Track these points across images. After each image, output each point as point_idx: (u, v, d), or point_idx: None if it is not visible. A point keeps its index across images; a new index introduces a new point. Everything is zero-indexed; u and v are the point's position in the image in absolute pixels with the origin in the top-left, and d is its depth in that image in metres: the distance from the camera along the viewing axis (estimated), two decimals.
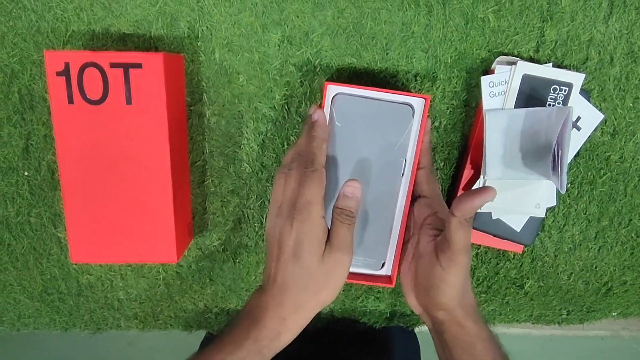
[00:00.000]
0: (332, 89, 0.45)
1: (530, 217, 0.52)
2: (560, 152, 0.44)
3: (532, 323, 0.64)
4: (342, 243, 0.41)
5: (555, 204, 0.51)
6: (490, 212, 0.52)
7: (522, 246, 0.54)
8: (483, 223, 0.52)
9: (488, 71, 0.50)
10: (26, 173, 0.52)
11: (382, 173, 0.47)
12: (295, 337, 0.43)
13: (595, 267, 0.57)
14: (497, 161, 0.49)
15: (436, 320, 0.45)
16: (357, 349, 0.64)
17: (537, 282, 0.58)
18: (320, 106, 0.45)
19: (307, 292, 0.41)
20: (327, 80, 0.49)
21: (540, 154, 0.48)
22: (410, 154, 0.47)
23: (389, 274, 0.50)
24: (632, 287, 0.59)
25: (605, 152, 0.53)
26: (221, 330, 0.44)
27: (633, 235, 0.56)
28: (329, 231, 0.42)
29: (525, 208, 0.51)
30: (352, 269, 0.49)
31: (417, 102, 0.45)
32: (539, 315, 0.63)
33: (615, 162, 0.53)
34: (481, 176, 0.50)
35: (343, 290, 0.58)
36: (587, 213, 0.55)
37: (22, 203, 0.53)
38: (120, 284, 0.57)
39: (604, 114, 0.50)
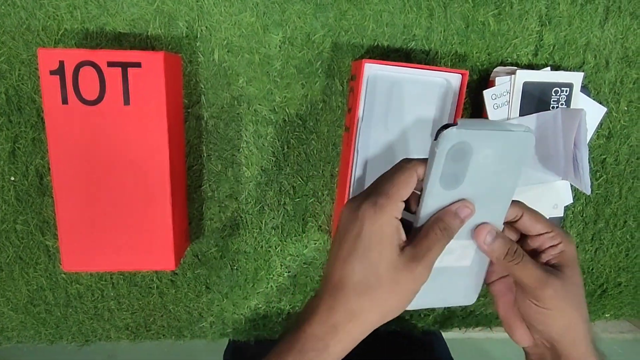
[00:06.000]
0: (369, 67, 0.44)
1: (550, 217, 0.52)
2: (579, 154, 0.44)
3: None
4: (429, 257, 0.35)
5: (571, 201, 0.52)
6: None
7: None
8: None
9: (488, 84, 0.50)
10: (12, 178, 0.49)
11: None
12: (347, 352, 0.36)
13: (592, 269, 0.58)
14: None
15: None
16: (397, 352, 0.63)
17: None
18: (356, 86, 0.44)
19: (368, 298, 0.34)
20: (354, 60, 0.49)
21: (551, 155, 0.48)
22: None
23: None
24: (626, 289, 0.60)
25: (601, 155, 0.54)
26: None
27: (628, 236, 0.57)
28: (406, 236, 0.36)
29: (543, 210, 0.51)
30: None
31: (454, 78, 0.45)
32: None
33: (611, 164, 0.54)
34: None
35: None
36: (584, 215, 0.56)
37: (7, 210, 0.50)
38: (112, 294, 0.54)
39: (606, 107, 0.50)
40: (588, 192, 0.45)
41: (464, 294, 0.42)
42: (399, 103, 0.46)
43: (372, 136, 0.46)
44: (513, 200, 0.39)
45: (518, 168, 0.37)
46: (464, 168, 0.36)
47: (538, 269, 0.38)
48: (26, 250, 0.52)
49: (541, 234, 0.40)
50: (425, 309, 0.59)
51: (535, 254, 0.40)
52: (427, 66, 0.45)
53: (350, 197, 0.39)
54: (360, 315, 0.35)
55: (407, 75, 0.45)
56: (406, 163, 0.36)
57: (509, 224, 0.41)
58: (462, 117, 0.47)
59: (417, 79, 0.45)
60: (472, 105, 0.51)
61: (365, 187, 0.38)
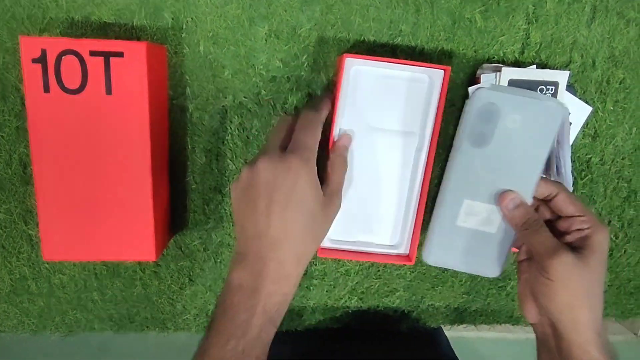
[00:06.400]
0: (350, 62, 0.45)
1: None
2: (561, 152, 0.44)
3: (512, 324, 0.65)
4: (340, 187, 0.42)
5: None
6: None
7: None
8: None
9: (474, 80, 0.50)
10: None
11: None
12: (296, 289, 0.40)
13: None
14: None
15: (544, 335, 0.43)
16: (337, 350, 0.63)
17: None
18: (337, 81, 0.45)
19: (310, 239, 0.39)
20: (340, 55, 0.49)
21: None
22: (430, 127, 0.47)
23: (407, 252, 0.50)
24: (610, 289, 0.60)
25: (586, 155, 0.54)
26: (212, 318, 0.39)
27: (612, 237, 0.57)
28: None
29: None
30: (370, 249, 0.50)
31: (436, 74, 0.46)
32: (519, 317, 0.63)
33: (596, 164, 0.54)
34: None
35: (326, 291, 0.57)
36: None
37: None
38: (95, 284, 0.54)
39: (592, 106, 0.50)
40: (570, 190, 0.45)
41: (488, 264, 0.45)
42: (382, 98, 0.46)
43: (354, 131, 0.46)
44: (553, 181, 0.42)
45: (547, 140, 0.40)
46: (492, 129, 0.40)
47: (552, 239, 0.39)
48: (9, 239, 0.51)
49: (572, 216, 0.41)
50: (408, 307, 0.59)
51: (562, 236, 0.41)
52: (410, 61, 0.45)
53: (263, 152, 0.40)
54: (304, 257, 0.39)
55: (390, 70, 0.45)
56: (312, 115, 0.41)
57: (544, 203, 0.43)
58: (443, 113, 0.48)
59: (400, 74, 0.46)
60: (457, 102, 0.51)
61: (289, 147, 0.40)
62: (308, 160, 0.38)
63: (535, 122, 0.39)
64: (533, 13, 0.49)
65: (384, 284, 0.57)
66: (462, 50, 0.50)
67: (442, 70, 0.45)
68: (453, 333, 0.76)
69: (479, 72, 0.49)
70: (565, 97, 0.49)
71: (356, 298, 0.58)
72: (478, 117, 0.40)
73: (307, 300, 0.57)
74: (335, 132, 0.46)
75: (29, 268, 0.53)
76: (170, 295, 0.56)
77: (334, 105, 0.45)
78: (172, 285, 0.55)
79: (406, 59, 0.49)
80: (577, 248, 0.39)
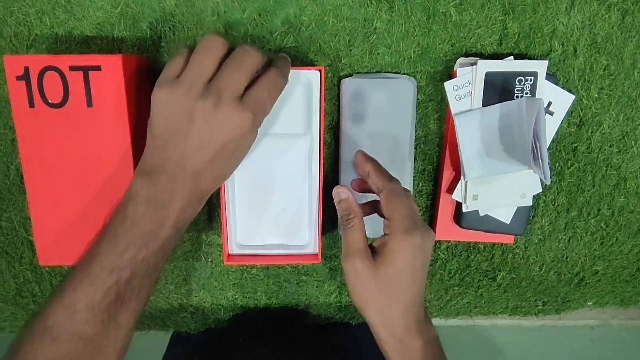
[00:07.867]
0: None
1: (518, 207, 0.52)
2: (538, 143, 0.44)
3: (509, 315, 0.65)
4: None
5: (540, 190, 0.51)
6: (478, 210, 0.52)
7: (513, 236, 0.54)
8: (472, 221, 0.52)
9: (451, 75, 0.50)
10: None
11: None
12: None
13: (566, 258, 0.58)
14: (475, 162, 0.49)
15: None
16: (328, 344, 0.64)
17: (509, 274, 0.58)
18: None
19: (234, 165, 0.42)
20: None
21: (516, 145, 0.48)
22: (315, 128, 0.47)
23: (316, 251, 0.51)
24: (604, 277, 0.59)
25: (572, 143, 0.53)
26: (106, 227, 0.39)
27: (602, 225, 0.56)
28: None
29: (511, 200, 0.51)
30: (278, 252, 0.51)
31: (313, 75, 0.46)
32: (515, 307, 0.63)
33: (583, 152, 0.54)
34: (462, 178, 0.50)
35: (316, 287, 0.58)
36: (556, 204, 0.55)
37: None
38: None
39: (575, 94, 0.49)
40: (548, 181, 0.44)
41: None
42: None
43: None
44: (369, 158, 0.44)
45: (408, 112, 0.49)
46: (365, 107, 0.49)
47: (353, 241, 0.41)
48: (11, 245, 0.54)
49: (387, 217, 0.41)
50: None
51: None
52: None
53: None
54: (223, 180, 0.43)
55: None
56: (280, 79, 0.41)
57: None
58: (422, 107, 0.49)
59: None
60: (436, 96, 0.51)
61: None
62: (257, 124, 0.40)
63: (394, 97, 0.49)
64: (509, 3, 0.49)
65: None
66: (439, 44, 0.50)
67: (318, 72, 0.46)
68: (464, 322, 0.75)
69: (456, 65, 0.49)
70: (546, 86, 0.49)
71: (346, 293, 0.59)
72: (352, 100, 0.48)
73: (299, 296, 0.59)
74: None
75: (31, 272, 0.56)
76: (166, 295, 0.58)
77: None
78: (168, 285, 0.57)
79: (383, 57, 0.49)
80: (377, 252, 0.41)
